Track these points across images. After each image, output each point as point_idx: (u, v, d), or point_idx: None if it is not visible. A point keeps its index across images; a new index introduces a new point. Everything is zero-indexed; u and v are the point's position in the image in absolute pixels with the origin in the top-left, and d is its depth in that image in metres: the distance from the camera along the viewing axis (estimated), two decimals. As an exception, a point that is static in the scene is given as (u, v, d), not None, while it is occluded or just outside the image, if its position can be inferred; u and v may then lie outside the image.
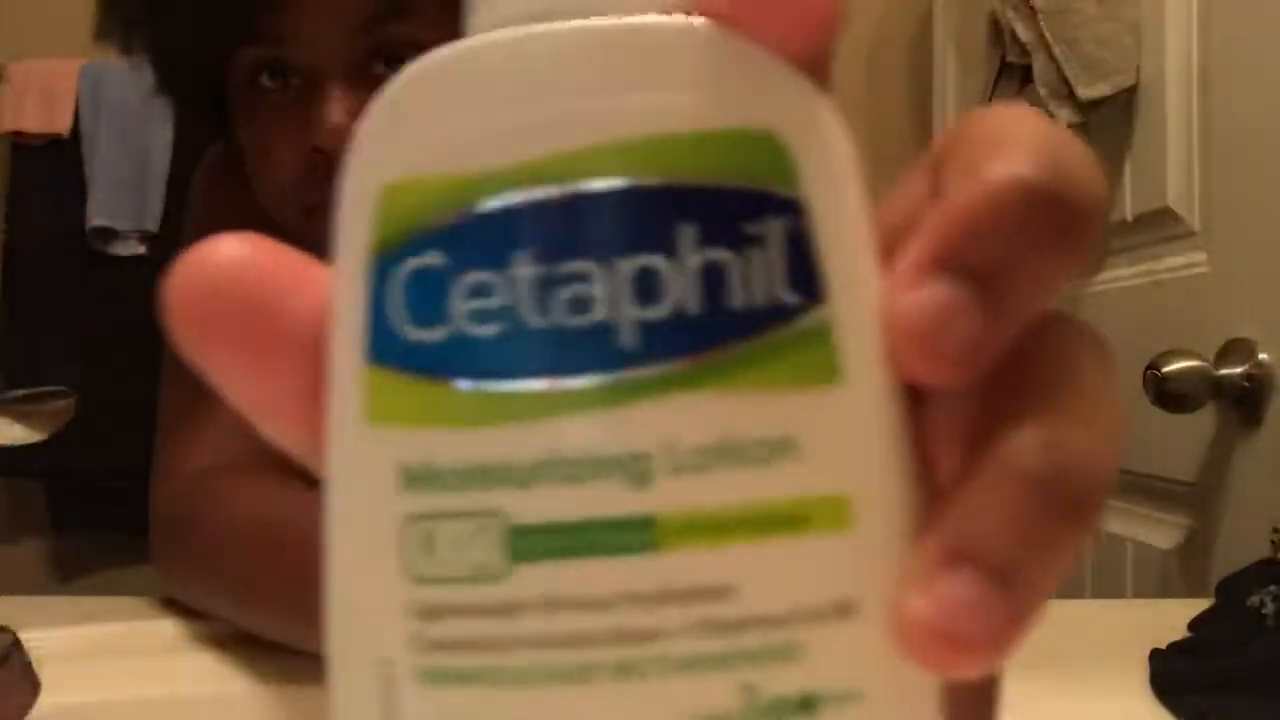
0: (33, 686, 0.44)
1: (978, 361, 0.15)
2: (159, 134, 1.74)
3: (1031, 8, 1.26)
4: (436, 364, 0.15)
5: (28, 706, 0.43)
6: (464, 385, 0.15)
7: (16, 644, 0.43)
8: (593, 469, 0.14)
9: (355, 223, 0.16)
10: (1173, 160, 1.07)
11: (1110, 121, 1.17)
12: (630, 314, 0.14)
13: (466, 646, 0.14)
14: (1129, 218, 1.13)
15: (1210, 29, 1.04)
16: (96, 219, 1.72)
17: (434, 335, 0.15)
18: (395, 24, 0.63)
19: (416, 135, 0.15)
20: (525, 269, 0.14)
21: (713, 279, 0.14)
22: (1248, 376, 0.94)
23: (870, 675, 0.15)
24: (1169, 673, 0.59)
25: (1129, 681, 0.59)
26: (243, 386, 0.17)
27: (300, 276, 0.16)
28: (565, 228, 0.15)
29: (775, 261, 0.15)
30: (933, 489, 0.16)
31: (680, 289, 0.14)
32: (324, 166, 0.62)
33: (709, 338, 0.14)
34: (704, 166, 0.15)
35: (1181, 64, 1.08)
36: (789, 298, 0.15)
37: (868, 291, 0.15)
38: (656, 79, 0.15)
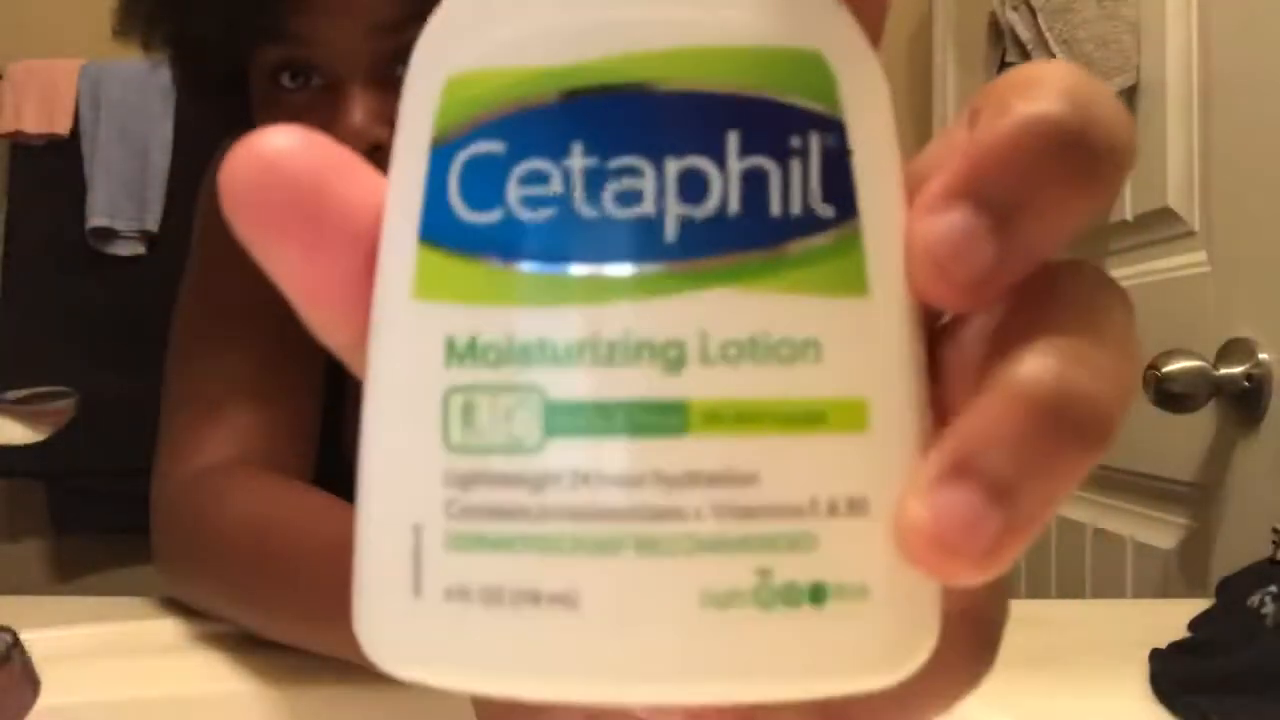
0: (33, 686, 0.44)
1: (988, 289, 0.16)
2: (159, 134, 1.74)
3: (1031, 8, 1.26)
4: (487, 245, 0.16)
5: (28, 706, 0.43)
6: (511, 266, 0.15)
7: (16, 644, 0.43)
8: (629, 353, 0.15)
9: (419, 111, 0.17)
10: (1173, 160, 1.07)
11: (1110, 121, 1.17)
12: (675, 210, 0.15)
13: (497, 514, 0.15)
14: (1129, 218, 1.13)
15: (1210, 29, 1.04)
16: (96, 219, 1.72)
17: (487, 218, 0.16)
18: (419, 27, 0.63)
19: (482, 31, 0.16)
20: (579, 160, 0.15)
21: (755, 185, 0.15)
22: (1248, 376, 0.94)
23: (877, 572, 0.16)
24: (1169, 673, 0.59)
25: (1129, 681, 0.59)
26: (292, 272, 0.17)
27: (351, 166, 0.17)
28: (620, 124, 0.15)
29: (814, 175, 0.16)
30: (942, 411, 0.17)
31: (724, 191, 0.15)
32: None
33: (747, 239, 0.15)
34: (756, 80, 0.16)
35: (1181, 64, 1.08)
36: (824, 210, 0.16)
37: (896, 212, 0.16)
38: None
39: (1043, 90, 0.16)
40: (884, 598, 0.16)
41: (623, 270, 0.15)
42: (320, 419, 0.74)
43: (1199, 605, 0.70)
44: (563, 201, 0.15)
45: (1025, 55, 1.28)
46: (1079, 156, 0.15)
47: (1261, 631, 0.63)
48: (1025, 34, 1.28)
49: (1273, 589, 0.65)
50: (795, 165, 0.16)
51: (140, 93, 1.74)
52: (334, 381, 0.76)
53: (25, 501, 1.83)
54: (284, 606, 0.57)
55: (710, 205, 0.15)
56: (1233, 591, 0.70)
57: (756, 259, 0.15)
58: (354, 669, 0.55)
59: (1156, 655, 0.61)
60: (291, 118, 0.65)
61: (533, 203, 0.15)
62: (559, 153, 0.15)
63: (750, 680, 0.15)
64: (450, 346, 0.16)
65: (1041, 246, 0.16)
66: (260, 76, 0.66)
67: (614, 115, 0.15)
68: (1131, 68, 1.15)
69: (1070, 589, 1.22)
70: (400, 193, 0.17)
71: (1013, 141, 0.15)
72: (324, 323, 0.18)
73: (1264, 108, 0.96)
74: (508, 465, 0.15)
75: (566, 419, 0.15)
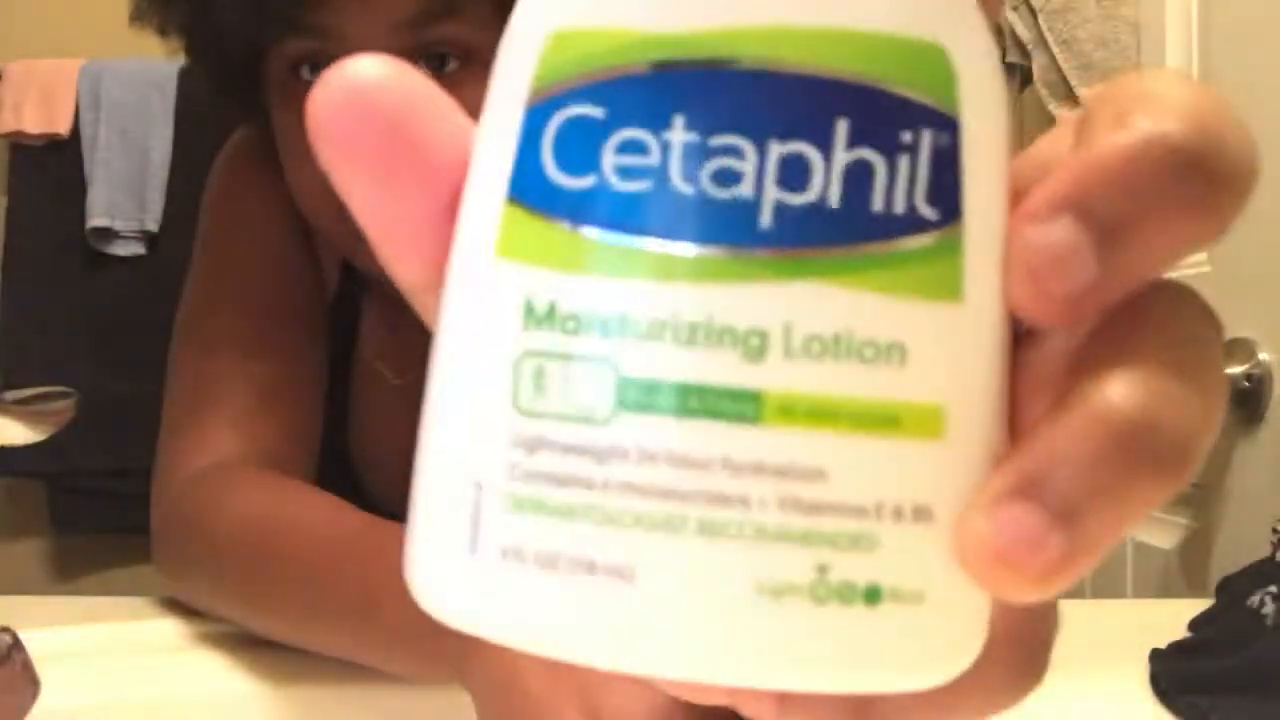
0: (33, 686, 0.44)
1: (1084, 307, 0.15)
2: (159, 134, 1.74)
3: (1031, 8, 1.26)
4: (577, 211, 0.15)
5: (28, 706, 0.43)
6: (599, 235, 0.15)
7: (16, 644, 0.43)
8: (710, 336, 0.15)
9: (517, 65, 0.16)
10: (1173, 160, 1.07)
11: (1110, 121, 1.17)
12: (773, 195, 0.15)
13: (561, 481, 0.15)
14: (1129, 218, 1.13)
15: (1210, 29, 1.04)
16: (96, 219, 1.72)
17: (579, 183, 0.15)
18: (442, 24, 0.63)
19: None
20: (679, 134, 0.15)
21: (859, 178, 0.15)
22: (1248, 376, 0.94)
23: (933, 580, 0.15)
24: (1169, 673, 0.59)
25: (1129, 681, 0.59)
26: (370, 205, 0.17)
27: (441, 104, 0.17)
28: (726, 101, 0.15)
29: (921, 173, 0.15)
30: (1016, 423, 0.16)
31: (826, 181, 0.15)
32: None
33: (844, 233, 0.15)
34: (872, 67, 0.15)
35: (1181, 64, 1.08)
36: (928, 211, 0.15)
37: (1001, 219, 0.16)
38: None
39: (1167, 106, 0.15)
40: (937, 604, 0.15)
41: (712, 252, 0.15)
42: (322, 418, 0.74)
43: (1199, 605, 0.70)
44: (658, 174, 0.15)
45: (1025, 55, 1.28)
46: (1198, 183, 0.15)
47: (1262, 631, 0.63)
48: (1025, 34, 1.28)
49: (1273, 589, 0.65)
50: (903, 161, 0.15)
51: (140, 93, 1.74)
52: (337, 380, 0.76)
53: (25, 501, 1.83)
54: (284, 606, 0.57)
55: (810, 194, 0.15)
56: (1233, 591, 0.70)
57: (851, 255, 0.15)
58: (354, 669, 0.55)
59: (1156, 655, 0.61)
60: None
61: (627, 173, 0.15)
62: (659, 124, 0.15)
63: (796, 670, 0.15)
64: (529, 309, 0.15)
65: (1145, 269, 0.15)
66: (278, 68, 0.65)
67: (720, 91, 0.15)
68: (1131, 68, 1.14)
69: (1070, 589, 1.22)
70: (491, 146, 0.16)
71: (1129, 158, 0.15)
72: (395, 259, 0.17)
73: (1264, 108, 0.95)
74: (575, 435, 0.15)
75: (639, 395, 0.15)
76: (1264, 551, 0.76)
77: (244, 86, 0.70)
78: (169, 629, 0.66)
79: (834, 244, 0.15)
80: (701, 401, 0.15)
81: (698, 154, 0.15)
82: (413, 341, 0.82)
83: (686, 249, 0.15)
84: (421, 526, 0.16)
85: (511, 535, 0.15)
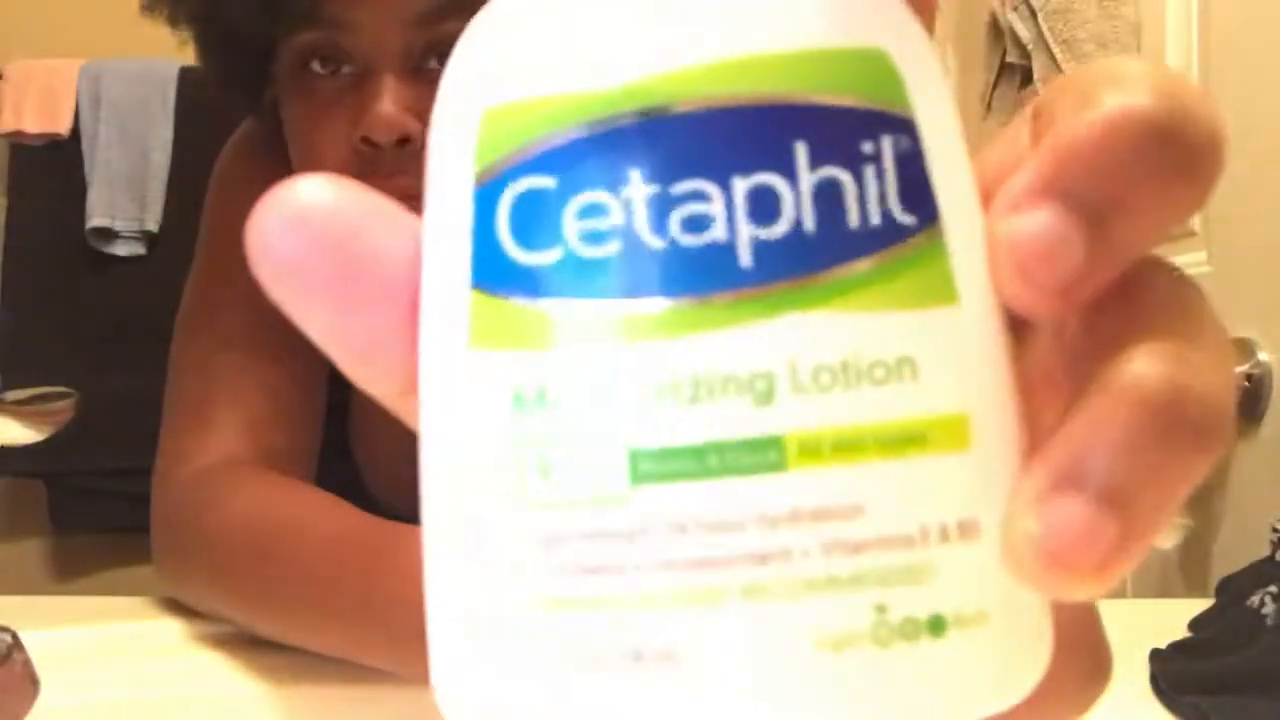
0: (33, 686, 0.44)
1: (1078, 294, 0.15)
2: (159, 134, 1.74)
3: (1031, 8, 1.26)
4: (548, 286, 0.15)
5: (28, 706, 0.43)
6: (577, 307, 0.14)
7: (16, 644, 0.43)
8: (714, 389, 0.14)
9: (455, 149, 0.16)
10: (1173, 160, 1.07)
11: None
12: (748, 232, 0.14)
13: (590, 571, 0.14)
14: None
15: (1210, 29, 1.04)
16: (96, 219, 1.72)
17: (545, 258, 0.15)
18: (456, 20, 0.62)
19: (517, 58, 0.15)
20: (639, 189, 0.14)
21: (829, 198, 0.14)
22: (1248, 376, 0.94)
23: (992, 596, 0.15)
24: (1169, 673, 0.59)
25: (1129, 681, 0.59)
26: (330, 329, 0.16)
27: (387, 217, 0.16)
28: (680, 146, 0.14)
29: (890, 181, 0.15)
30: (1030, 419, 0.16)
31: (797, 208, 0.14)
32: (371, 160, 0.61)
33: (827, 256, 0.14)
34: (817, 84, 0.15)
35: (1181, 64, 1.08)
36: (905, 217, 0.15)
37: (976, 213, 0.15)
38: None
39: (1132, 82, 0.15)
40: (1001, 621, 0.15)
41: (698, 301, 0.14)
42: (324, 418, 0.74)
43: (1199, 605, 0.70)
44: (626, 233, 0.14)
45: (1025, 55, 1.28)
46: (1177, 151, 0.14)
47: (1261, 631, 0.63)
48: (1025, 34, 1.28)
49: (1273, 589, 0.65)
50: (870, 172, 0.15)
51: (140, 93, 1.74)
52: (338, 379, 0.76)
53: (25, 501, 1.83)
54: (284, 606, 0.57)
55: (785, 223, 0.14)
56: (1233, 591, 0.70)
57: (839, 277, 0.14)
58: (354, 669, 0.55)
59: (1156, 655, 0.61)
60: (320, 105, 0.65)
61: (593, 237, 0.14)
62: (616, 182, 0.14)
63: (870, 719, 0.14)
64: (518, 398, 0.15)
65: (1134, 246, 0.15)
66: (289, 61, 0.65)
67: (672, 136, 0.14)
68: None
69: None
70: (443, 236, 0.16)
71: (1105, 135, 0.14)
72: (369, 377, 0.17)
73: (1264, 108, 0.95)
74: (595, 520, 0.14)
75: (654, 466, 0.14)
76: (1264, 551, 0.76)
77: (253, 80, 0.70)
78: (169, 629, 0.66)
79: (818, 269, 0.14)
80: (720, 459, 0.14)
81: (662, 205, 0.14)
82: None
83: (669, 303, 0.14)
84: (451, 652, 0.15)
85: (550, 640, 0.14)
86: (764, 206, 0.14)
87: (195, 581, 0.65)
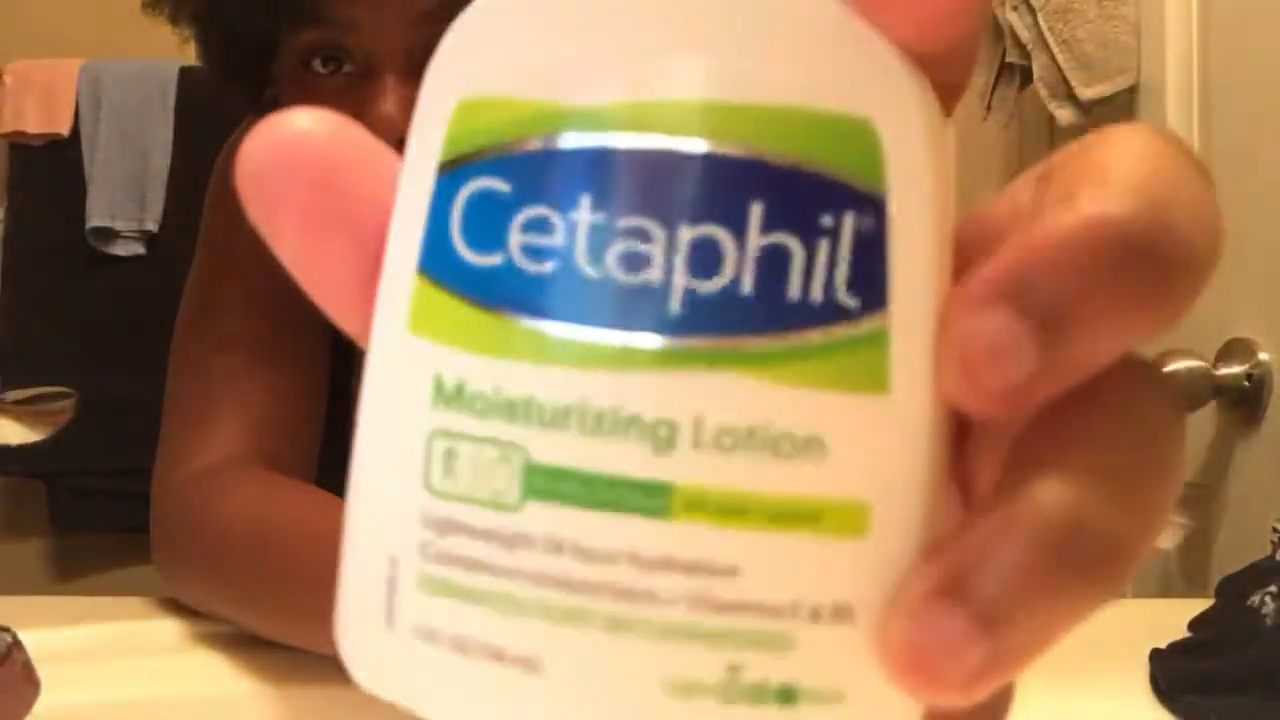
0: (33, 686, 0.44)
1: (1024, 402, 0.14)
2: (159, 134, 1.74)
3: (1031, 8, 1.26)
4: (484, 289, 0.15)
5: (28, 706, 0.43)
6: (506, 316, 0.15)
7: (16, 644, 0.43)
8: (618, 426, 0.14)
9: (427, 133, 0.16)
10: (1173, 160, 1.07)
11: (1110, 121, 1.17)
12: (683, 282, 0.14)
13: (470, 565, 0.15)
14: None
15: (1210, 29, 1.04)
16: (96, 219, 1.72)
17: (486, 260, 0.15)
18: None
19: (501, 54, 0.15)
20: (587, 214, 0.14)
21: (774, 264, 0.14)
22: (1248, 376, 0.94)
23: (854, 680, 0.15)
24: (1169, 673, 0.59)
25: (1129, 681, 0.59)
26: (301, 260, 0.16)
27: (373, 154, 0.16)
28: (635, 181, 0.14)
29: (843, 259, 0.14)
30: (961, 509, 0.15)
31: (739, 267, 0.14)
32: None
33: (757, 323, 0.14)
34: (791, 145, 0.14)
35: (1181, 64, 1.08)
36: (849, 300, 0.14)
37: (933, 304, 0.15)
38: (760, 43, 0.14)
39: (1115, 182, 0.14)
40: (859, 703, 0.15)
41: (620, 339, 0.14)
42: (324, 417, 0.74)
43: (1199, 605, 0.70)
44: (565, 256, 0.14)
45: (1025, 55, 1.28)
46: (1145, 269, 0.14)
47: (1261, 631, 0.63)
48: (1025, 34, 1.28)
49: (1273, 589, 0.65)
50: (823, 246, 0.14)
51: (140, 93, 1.74)
52: (338, 379, 0.76)
53: (25, 501, 1.83)
54: (283, 606, 0.57)
55: (722, 280, 0.14)
56: (1233, 591, 0.70)
57: (766, 345, 0.14)
58: (354, 669, 0.55)
59: (1156, 655, 0.61)
60: (321, 104, 0.64)
61: (534, 253, 0.14)
62: (566, 203, 0.14)
63: None
64: (438, 387, 0.15)
65: (1089, 362, 0.14)
66: (291, 60, 0.65)
67: (629, 169, 0.14)
68: (1131, 68, 1.14)
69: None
70: (404, 216, 0.16)
71: (1069, 240, 0.13)
72: (332, 311, 0.17)
73: (1264, 108, 0.95)
74: (484, 519, 0.15)
75: (546, 483, 0.14)
76: (1264, 551, 0.76)
77: (253, 78, 0.70)
78: (169, 629, 0.66)
79: (746, 333, 0.14)
80: (609, 492, 0.14)
81: (604, 235, 0.14)
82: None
83: (593, 334, 0.14)
84: (345, 594, 0.16)
85: (424, 615, 0.15)
86: (705, 259, 0.14)
87: (195, 581, 0.65)
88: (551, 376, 0.14)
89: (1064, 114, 1.20)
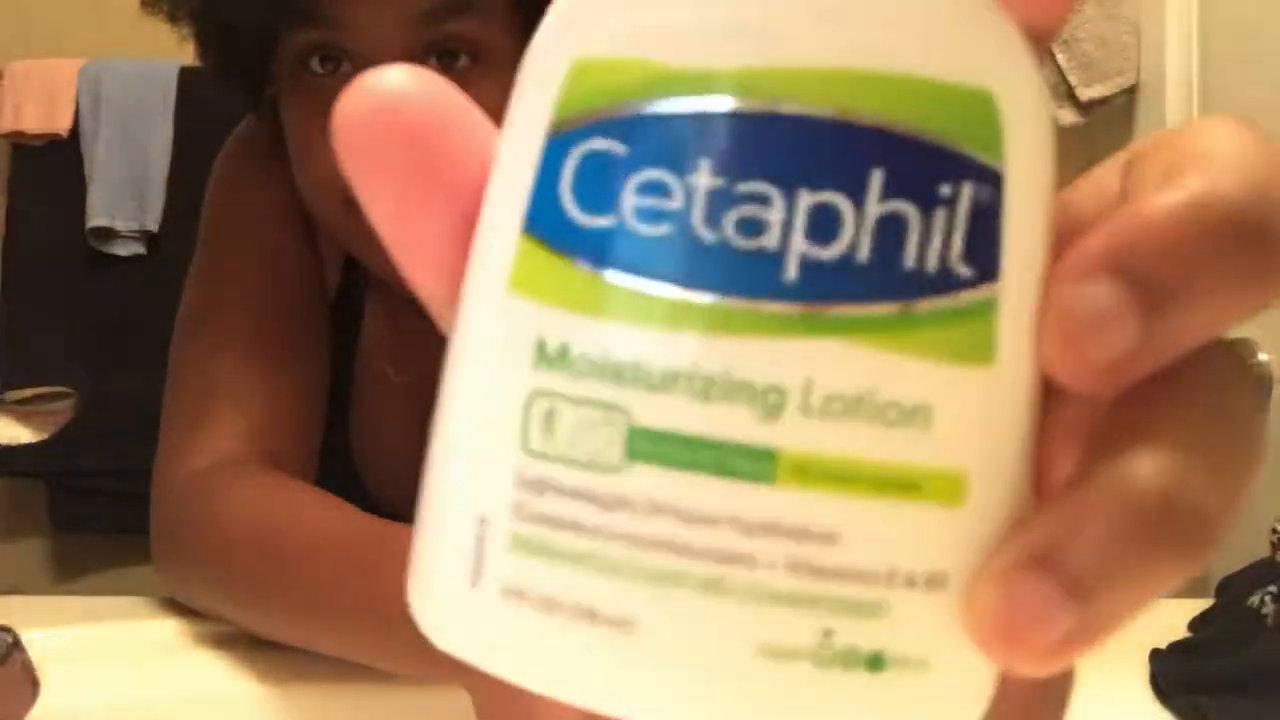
0: (33, 686, 0.44)
1: (1124, 375, 0.14)
2: (159, 134, 1.74)
3: (1031, 8, 1.26)
4: (593, 250, 0.15)
5: (28, 706, 0.43)
6: (616, 278, 0.15)
7: (16, 644, 0.43)
8: (727, 391, 0.14)
9: (538, 92, 0.16)
10: (1173, 160, 1.07)
11: (1110, 121, 1.17)
12: (799, 248, 0.14)
13: (565, 526, 0.15)
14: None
15: (1210, 29, 1.04)
16: (96, 219, 1.72)
17: (597, 221, 0.15)
18: (456, 20, 0.63)
19: (618, 15, 0.15)
20: (704, 178, 0.14)
21: (892, 232, 0.14)
22: (1248, 376, 0.94)
23: (940, 648, 0.15)
24: (1169, 673, 0.59)
25: (1129, 681, 0.59)
26: (390, 218, 0.16)
27: (466, 115, 0.16)
28: (755, 145, 0.14)
29: (959, 229, 0.14)
30: (1042, 483, 0.16)
31: (856, 234, 0.14)
32: None
33: (871, 290, 0.14)
34: (912, 114, 0.14)
35: (1181, 64, 1.08)
36: (963, 270, 0.14)
37: (1038, 278, 0.15)
38: (887, 12, 0.14)
39: (1222, 164, 0.14)
40: (941, 672, 0.15)
41: (732, 303, 0.14)
42: (324, 416, 0.74)
43: (1199, 605, 0.70)
44: (680, 219, 0.14)
45: (1025, 55, 1.28)
46: (1252, 250, 0.14)
47: (1261, 631, 0.63)
48: (1025, 34, 1.28)
49: (1273, 589, 0.65)
50: (940, 216, 0.14)
51: (140, 93, 1.74)
52: (338, 377, 0.76)
53: (25, 501, 1.83)
54: (285, 606, 0.57)
55: (838, 247, 0.14)
56: (1233, 591, 0.70)
57: (878, 313, 0.14)
58: (354, 669, 0.55)
59: (1156, 655, 0.61)
60: (320, 104, 0.64)
61: (648, 215, 0.14)
62: (684, 166, 0.14)
63: None
64: (540, 349, 0.15)
65: (1191, 338, 0.14)
66: (289, 59, 0.65)
67: (749, 134, 0.14)
68: (1131, 68, 1.15)
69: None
70: (508, 176, 0.16)
71: (1179, 219, 0.14)
72: (418, 275, 0.17)
73: (1264, 108, 0.95)
74: (583, 480, 0.15)
75: (650, 446, 0.14)
76: (1264, 551, 0.76)
77: (252, 77, 0.70)
78: (169, 629, 0.66)
79: (860, 301, 0.14)
80: (714, 456, 0.14)
81: (722, 200, 0.14)
82: (415, 339, 0.82)
83: (705, 298, 0.14)
84: (425, 555, 0.16)
85: (513, 574, 0.15)
86: (822, 225, 0.14)
87: (195, 581, 0.65)
88: (661, 339, 0.14)
89: (1064, 114, 1.20)
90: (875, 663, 0.15)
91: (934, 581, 0.15)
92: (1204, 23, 1.04)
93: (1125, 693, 0.58)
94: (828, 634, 0.14)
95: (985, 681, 0.16)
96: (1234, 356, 0.15)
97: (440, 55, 0.63)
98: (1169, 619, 0.67)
